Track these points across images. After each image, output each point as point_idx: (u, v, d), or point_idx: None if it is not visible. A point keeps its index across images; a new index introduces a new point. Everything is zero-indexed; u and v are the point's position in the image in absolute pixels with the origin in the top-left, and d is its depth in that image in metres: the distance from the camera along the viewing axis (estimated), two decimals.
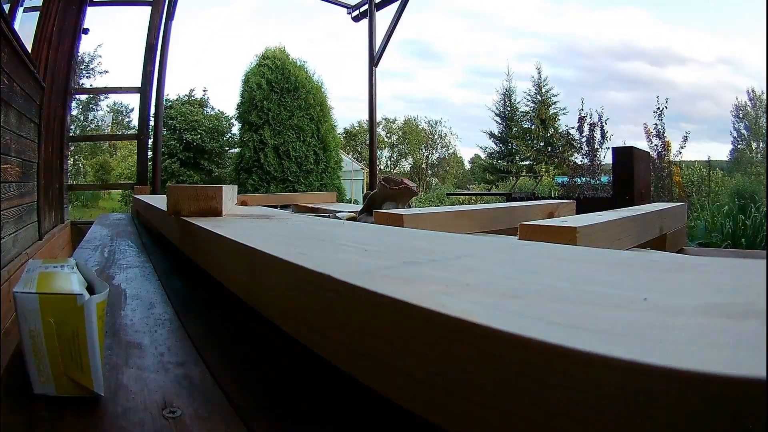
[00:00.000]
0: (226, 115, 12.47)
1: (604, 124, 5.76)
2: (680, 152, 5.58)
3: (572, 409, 0.15)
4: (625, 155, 2.12)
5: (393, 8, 4.71)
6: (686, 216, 1.01)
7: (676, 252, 0.87)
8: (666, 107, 5.46)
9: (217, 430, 0.28)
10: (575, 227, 0.53)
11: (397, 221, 0.71)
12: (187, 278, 0.68)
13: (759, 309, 0.18)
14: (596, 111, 5.85)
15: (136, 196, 1.75)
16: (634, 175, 2.01)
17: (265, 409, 0.31)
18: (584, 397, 0.15)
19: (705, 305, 0.19)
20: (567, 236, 0.54)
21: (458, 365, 0.19)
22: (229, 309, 0.50)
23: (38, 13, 2.70)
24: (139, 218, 1.52)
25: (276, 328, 0.34)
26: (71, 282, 0.33)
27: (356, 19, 5.26)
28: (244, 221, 0.61)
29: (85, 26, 3.45)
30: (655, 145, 5.37)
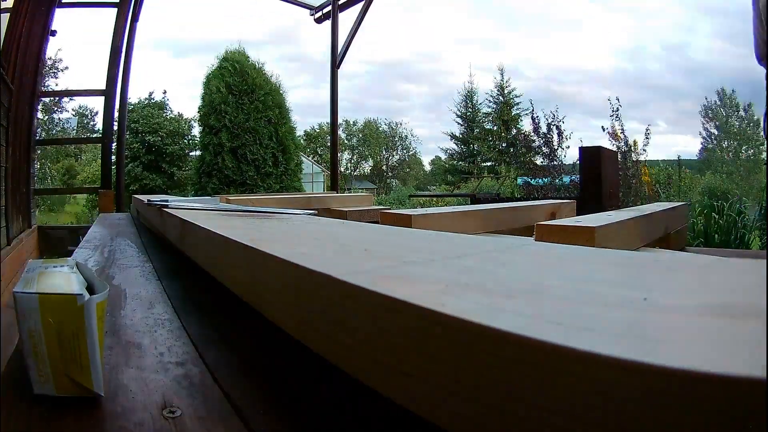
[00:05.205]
0: (186, 117, 12.40)
1: (560, 123, 5.63)
2: (644, 150, 5.47)
3: (572, 409, 0.15)
4: (592, 155, 2.09)
5: (356, 9, 4.69)
6: (688, 216, 1.02)
7: (678, 251, 0.87)
8: (620, 106, 5.35)
9: (217, 430, 0.28)
10: (593, 227, 0.54)
11: (405, 222, 0.72)
12: (187, 278, 0.68)
13: (759, 309, 0.18)
14: (552, 112, 5.74)
15: (135, 196, 1.75)
16: (602, 175, 1.97)
17: (265, 408, 0.31)
18: (584, 397, 0.15)
19: (705, 305, 0.19)
20: (585, 236, 0.54)
21: (458, 365, 0.19)
22: (229, 309, 0.50)
23: (7, 15, 2.64)
24: (139, 218, 1.52)
25: (276, 327, 0.34)
26: (71, 282, 0.33)
27: (319, 20, 5.22)
28: (244, 220, 0.61)
29: (52, 28, 3.39)
30: (619, 146, 5.27)
